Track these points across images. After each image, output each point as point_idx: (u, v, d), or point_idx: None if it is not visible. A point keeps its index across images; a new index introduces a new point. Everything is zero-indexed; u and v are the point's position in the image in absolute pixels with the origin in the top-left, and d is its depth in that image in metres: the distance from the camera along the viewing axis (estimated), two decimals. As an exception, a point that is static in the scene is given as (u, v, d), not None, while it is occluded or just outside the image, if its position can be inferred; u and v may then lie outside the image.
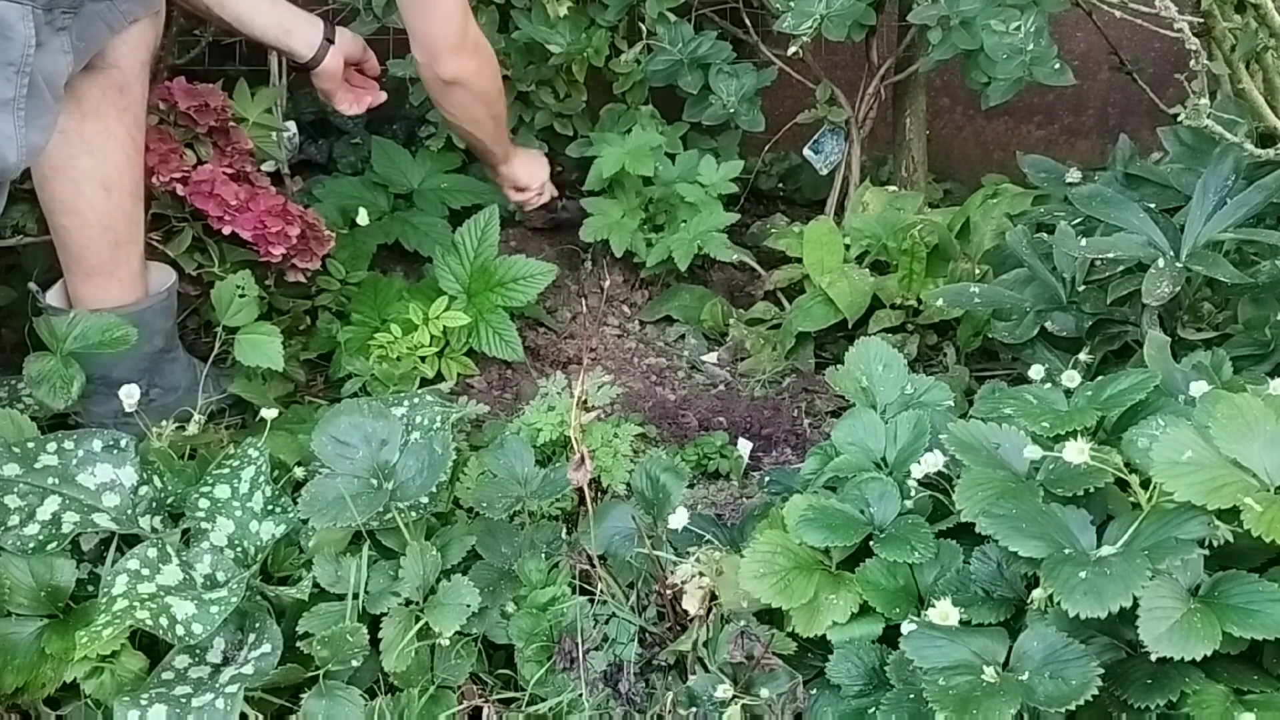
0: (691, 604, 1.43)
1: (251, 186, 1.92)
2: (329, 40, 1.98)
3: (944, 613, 1.25)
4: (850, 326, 2.21)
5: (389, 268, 2.36)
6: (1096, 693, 1.14)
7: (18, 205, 1.87)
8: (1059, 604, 1.15)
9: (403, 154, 2.52)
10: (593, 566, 1.52)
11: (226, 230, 1.87)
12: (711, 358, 2.37)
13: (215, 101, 1.91)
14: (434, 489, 1.52)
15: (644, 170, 2.35)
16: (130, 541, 1.47)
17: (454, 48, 1.91)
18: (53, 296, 1.79)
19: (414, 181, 2.49)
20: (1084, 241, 1.83)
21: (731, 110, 2.42)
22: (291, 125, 2.34)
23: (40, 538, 1.44)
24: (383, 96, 2.14)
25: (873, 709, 1.29)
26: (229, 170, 1.90)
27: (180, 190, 1.86)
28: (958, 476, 1.38)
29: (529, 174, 2.33)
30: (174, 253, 1.91)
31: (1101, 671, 1.16)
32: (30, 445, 1.52)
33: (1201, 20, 2.06)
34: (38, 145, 1.45)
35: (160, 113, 1.89)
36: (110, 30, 1.62)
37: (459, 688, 1.45)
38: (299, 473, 1.64)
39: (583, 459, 1.45)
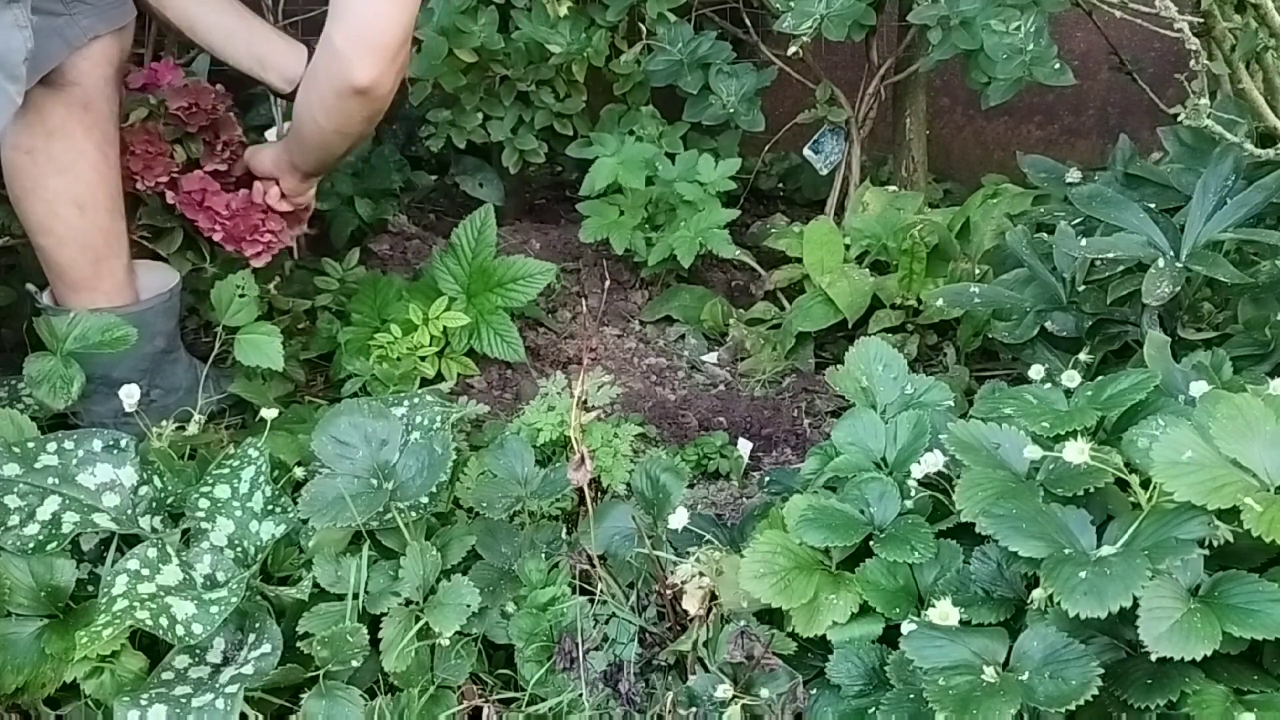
0: (691, 604, 1.43)
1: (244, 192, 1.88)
2: None
3: (944, 613, 1.25)
4: (850, 326, 2.21)
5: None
6: (1096, 693, 1.14)
7: (3, 206, 1.85)
8: (1059, 604, 1.15)
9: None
10: (593, 566, 1.51)
11: (218, 237, 1.85)
12: (711, 358, 2.37)
13: (205, 102, 1.88)
14: (434, 489, 1.52)
15: (636, 183, 2.36)
16: (130, 541, 1.47)
17: (387, 52, 1.54)
18: (51, 297, 1.79)
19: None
20: (1084, 241, 1.83)
21: (731, 110, 2.42)
22: (290, 126, 2.33)
23: (40, 538, 1.44)
24: None
25: (873, 709, 1.29)
26: (221, 167, 1.87)
27: (170, 197, 1.83)
28: (958, 476, 1.37)
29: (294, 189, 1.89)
30: (164, 252, 1.89)
31: (1101, 671, 1.16)
32: (30, 445, 1.51)
33: (1201, 20, 2.06)
34: None
35: (150, 105, 1.85)
36: (68, 46, 1.58)
37: (459, 688, 1.45)
38: (299, 473, 1.64)
39: (583, 459, 1.45)
